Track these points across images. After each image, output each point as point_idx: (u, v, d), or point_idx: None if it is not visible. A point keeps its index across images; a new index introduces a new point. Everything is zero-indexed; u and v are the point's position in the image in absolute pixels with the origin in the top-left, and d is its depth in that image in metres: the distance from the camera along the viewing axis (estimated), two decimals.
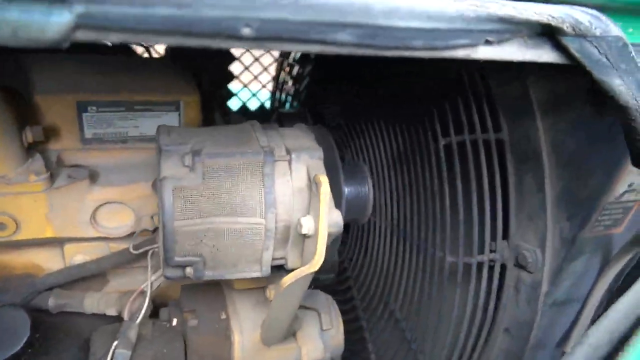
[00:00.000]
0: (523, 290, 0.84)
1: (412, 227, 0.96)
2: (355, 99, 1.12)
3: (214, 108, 1.06)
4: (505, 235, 0.84)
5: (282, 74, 1.82)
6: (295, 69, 1.75)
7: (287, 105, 1.84)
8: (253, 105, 1.93)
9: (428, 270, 0.91)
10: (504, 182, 0.82)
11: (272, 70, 1.90)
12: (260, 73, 1.90)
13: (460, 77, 0.81)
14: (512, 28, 0.35)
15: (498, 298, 0.86)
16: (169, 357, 0.86)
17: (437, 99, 0.86)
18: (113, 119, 0.87)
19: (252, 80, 1.90)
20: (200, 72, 0.98)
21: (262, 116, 1.81)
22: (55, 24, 0.27)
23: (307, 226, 0.64)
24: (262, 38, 0.31)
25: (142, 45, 1.23)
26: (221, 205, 0.65)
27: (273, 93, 1.85)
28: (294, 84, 1.77)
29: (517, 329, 0.87)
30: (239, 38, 0.30)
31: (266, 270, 0.70)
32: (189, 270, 0.67)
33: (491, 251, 0.84)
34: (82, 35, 0.29)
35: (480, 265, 0.84)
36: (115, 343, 0.82)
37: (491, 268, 0.84)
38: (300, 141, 0.73)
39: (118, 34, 0.29)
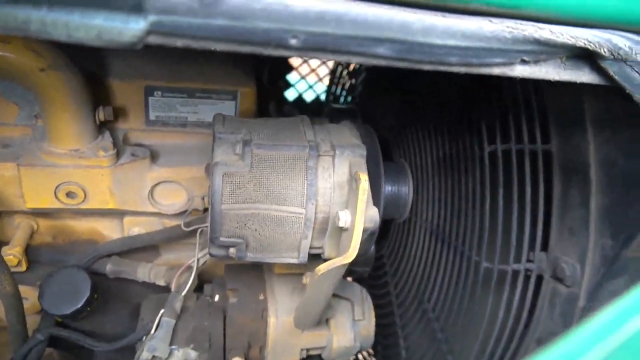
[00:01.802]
0: (558, 304, 0.84)
1: (451, 230, 0.97)
2: (406, 100, 1.14)
3: (269, 99, 1.11)
4: (545, 247, 0.83)
5: (339, 68, 1.85)
6: (352, 65, 1.77)
7: (342, 99, 1.87)
8: (309, 97, 1.97)
9: (463, 273, 0.92)
10: (548, 194, 0.82)
11: (330, 63, 1.93)
12: (319, 66, 1.93)
13: (513, 85, 0.81)
14: (548, 50, 0.37)
15: (532, 308, 0.86)
16: (209, 330, 0.92)
17: (486, 105, 0.86)
18: (175, 104, 0.94)
19: (310, 73, 1.94)
20: (261, 64, 1.02)
21: (317, 108, 1.85)
22: (132, 29, 0.32)
23: (344, 219, 0.67)
24: (307, 48, 0.34)
25: None
26: (266, 193, 0.69)
27: (329, 86, 1.88)
28: (350, 79, 1.79)
29: (551, 341, 0.86)
30: (286, 47, 0.34)
31: (303, 257, 0.74)
32: (232, 250, 0.72)
33: (528, 261, 0.84)
34: (153, 40, 0.33)
35: (516, 274, 0.84)
36: (162, 311, 0.89)
37: (527, 278, 0.84)
38: (345, 138, 0.76)
39: (183, 39, 0.33)
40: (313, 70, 1.95)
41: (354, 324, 0.95)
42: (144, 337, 0.90)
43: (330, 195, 0.71)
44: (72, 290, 0.93)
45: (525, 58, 0.37)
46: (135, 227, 1.01)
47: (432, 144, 1.04)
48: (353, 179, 0.68)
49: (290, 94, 1.91)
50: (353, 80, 1.78)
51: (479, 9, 0.35)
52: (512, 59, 0.37)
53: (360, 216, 0.65)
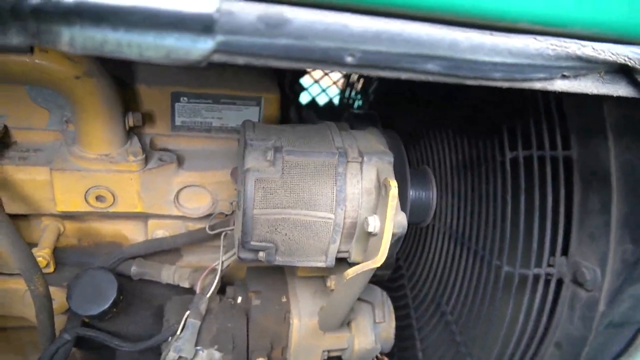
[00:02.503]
0: (578, 308, 0.85)
1: (471, 234, 0.98)
2: (424, 106, 1.15)
3: (289, 105, 1.12)
4: (565, 252, 0.85)
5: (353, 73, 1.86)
6: None
7: (356, 103, 1.89)
8: (321, 101, 1.99)
9: (484, 277, 0.93)
10: (568, 200, 0.83)
11: None
12: (331, 71, 1.95)
13: (534, 93, 0.83)
14: (589, 65, 0.38)
15: (552, 312, 0.88)
16: (232, 331, 0.94)
17: (508, 113, 0.88)
18: (201, 110, 0.96)
19: (323, 77, 1.96)
20: (283, 71, 1.04)
21: (330, 112, 1.87)
22: (200, 49, 0.34)
23: (373, 225, 0.69)
24: (362, 65, 0.36)
25: None
26: (296, 199, 0.71)
27: (343, 91, 1.90)
28: (364, 83, 1.81)
29: (569, 344, 0.88)
30: (343, 65, 0.36)
31: (331, 261, 0.75)
32: (261, 254, 0.74)
33: (549, 265, 0.85)
34: (217, 58, 0.35)
35: (536, 278, 0.85)
36: (187, 313, 0.91)
37: (547, 282, 0.86)
38: (372, 145, 0.78)
39: (245, 57, 0.35)
40: (326, 74, 1.96)
41: (374, 327, 0.97)
42: (170, 338, 0.92)
43: (358, 200, 0.73)
44: (99, 291, 0.95)
45: (566, 73, 0.39)
46: (159, 230, 1.03)
47: (451, 149, 1.06)
48: (382, 185, 0.69)
49: (302, 98, 1.93)
50: (367, 86, 1.80)
51: (526, 28, 0.36)
52: (553, 74, 0.39)
53: (390, 222, 0.67)
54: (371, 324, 0.97)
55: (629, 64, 0.38)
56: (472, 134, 0.99)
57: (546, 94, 0.83)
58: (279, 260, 0.74)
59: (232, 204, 0.82)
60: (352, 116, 1.14)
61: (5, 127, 0.90)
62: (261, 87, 0.98)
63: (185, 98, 0.94)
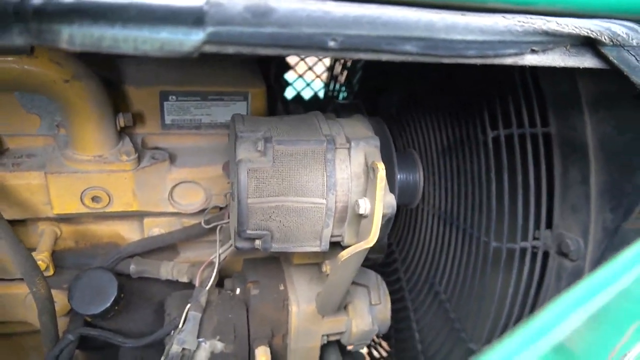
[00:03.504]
0: (565, 277, 0.89)
1: (459, 213, 1.02)
2: (406, 91, 1.18)
3: (276, 98, 1.15)
4: (549, 225, 0.88)
5: (337, 66, 1.89)
6: (349, 62, 1.81)
7: (340, 95, 1.92)
8: (306, 95, 2.01)
9: (473, 254, 0.97)
10: (550, 174, 0.87)
11: (327, 61, 1.97)
12: (315, 64, 1.97)
13: (511, 73, 0.86)
14: (555, 39, 0.41)
15: (539, 283, 0.91)
16: (233, 321, 0.96)
17: (486, 93, 0.91)
18: (190, 107, 0.98)
19: (307, 71, 1.98)
20: (267, 65, 1.06)
21: (316, 105, 1.89)
22: (192, 40, 0.36)
23: (363, 207, 0.71)
24: (344, 49, 0.38)
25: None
26: (288, 186, 0.73)
27: (327, 84, 1.92)
28: (347, 75, 1.84)
29: None
30: (325, 49, 0.38)
31: (325, 245, 0.78)
32: (257, 242, 0.76)
33: (535, 238, 0.89)
34: (208, 48, 0.37)
35: (523, 251, 0.89)
36: (188, 306, 0.93)
37: (534, 255, 0.89)
38: (359, 130, 0.80)
39: (235, 47, 0.37)
40: (310, 68, 1.99)
41: (371, 309, 1.00)
42: (172, 332, 0.94)
43: (348, 185, 0.75)
44: (100, 290, 0.97)
45: (535, 48, 0.42)
46: (155, 228, 1.04)
47: (435, 132, 1.09)
48: (370, 169, 0.72)
49: (288, 93, 1.95)
50: (350, 77, 1.82)
51: (495, 7, 0.39)
52: (523, 49, 0.42)
53: (380, 203, 0.70)
54: (367, 307, 1.00)
55: (592, 35, 0.41)
56: (455, 116, 1.02)
57: (523, 73, 0.87)
58: (275, 247, 0.77)
59: (226, 196, 0.84)
60: (337, 106, 1.17)
61: None
62: (247, 82, 1.00)
63: (174, 97, 0.96)
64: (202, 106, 0.98)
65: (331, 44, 0.38)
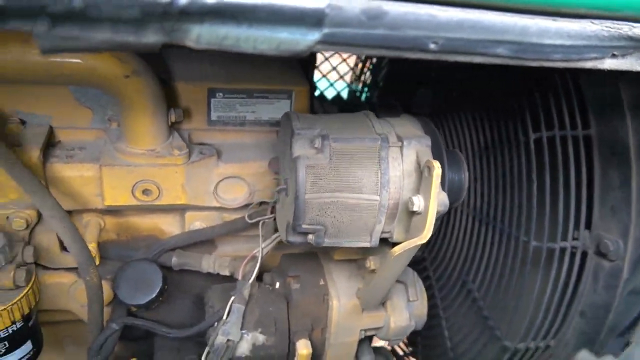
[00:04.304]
0: (602, 277, 0.91)
1: (495, 213, 1.04)
2: (443, 91, 1.20)
3: (313, 97, 1.17)
4: (588, 225, 0.91)
5: (360, 65, 1.91)
6: (374, 61, 1.84)
7: (363, 95, 1.94)
8: (329, 95, 2.04)
9: (511, 253, 0.99)
10: (590, 176, 0.89)
11: (350, 61, 1.99)
12: (339, 64, 2.00)
13: (552, 75, 0.88)
14: (637, 44, 0.43)
15: (576, 283, 0.93)
16: (274, 315, 0.98)
17: (527, 95, 0.93)
18: (235, 104, 1.00)
19: (331, 71, 2.00)
20: (307, 64, 1.09)
21: (340, 105, 1.91)
22: (307, 40, 0.38)
23: (417, 204, 0.74)
24: (442, 51, 0.41)
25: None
26: (344, 183, 0.76)
27: (351, 83, 1.95)
28: (372, 75, 1.86)
29: (593, 313, 0.93)
30: (426, 51, 0.40)
31: (375, 241, 0.80)
32: (310, 237, 0.79)
33: (574, 239, 0.91)
34: (318, 47, 0.40)
35: (562, 251, 0.91)
36: (232, 298, 0.96)
37: (572, 255, 0.91)
38: (409, 129, 0.83)
39: (343, 47, 0.39)
40: (334, 68, 2.01)
41: (408, 305, 1.02)
42: (215, 323, 0.96)
43: (400, 182, 0.78)
44: (145, 281, 0.99)
45: (616, 52, 0.44)
46: (197, 222, 1.07)
47: (470, 131, 1.11)
48: (425, 167, 0.74)
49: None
50: (375, 77, 1.85)
51: (584, 13, 0.41)
52: (604, 54, 0.44)
53: (434, 200, 0.72)
54: (405, 303, 1.02)
55: None
56: (493, 117, 1.04)
57: (563, 75, 0.89)
58: (327, 241, 0.79)
59: (277, 191, 0.86)
60: (373, 106, 1.19)
61: (50, 127, 0.94)
62: (292, 80, 1.02)
63: (221, 93, 0.98)
64: (248, 103, 1.00)
65: (432, 46, 0.40)
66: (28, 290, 0.86)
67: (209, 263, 1.06)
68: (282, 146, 0.87)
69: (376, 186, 0.76)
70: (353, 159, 0.76)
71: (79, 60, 0.78)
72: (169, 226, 1.09)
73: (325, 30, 0.38)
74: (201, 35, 0.37)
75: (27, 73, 0.78)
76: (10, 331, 0.84)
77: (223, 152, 1.01)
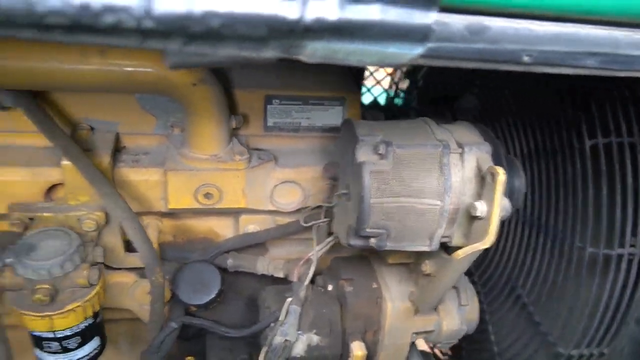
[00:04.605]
0: None
1: (548, 219, 1.04)
2: (489, 97, 1.21)
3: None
4: None
5: (398, 72, 1.93)
6: (411, 68, 1.85)
7: (400, 101, 1.95)
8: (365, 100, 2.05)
9: (564, 258, 0.99)
10: None
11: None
12: (376, 69, 2.02)
13: (608, 83, 0.88)
14: None
15: (633, 290, 0.93)
16: (328, 316, 1.01)
17: (583, 101, 0.94)
18: (291, 111, 1.03)
19: (368, 76, 2.02)
20: (358, 71, 1.11)
21: (378, 110, 1.93)
22: (411, 54, 0.40)
23: (480, 209, 0.75)
24: (535, 63, 0.42)
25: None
26: (407, 188, 0.78)
27: (389, 89, 1.96)
28: (411, 80, 1.87)
29: None
30: (519, 63, 0.42)
31: (435, 245, 0.82)
32: (373, 240, 0.81)
33: (631, 245, 0.91)
34: (420, 61, 0.42)
35: (619, 258, 0.91)
36: (289, 299, 0.98)
37: (630, 261, 0.91)
38: (468, 136, 0.84)
39: (442, 60, 0.42)
40: (371, 74, 2.03)
41: (460, 309, 1.03)
42: (272, 324, 0.99)
43: (460, 188, 0.79)
44: (204, 282, 1.03)
45: None
46: (251, 225, 1.10)
47: (519, 138, 1.12)
48: (488, 173, 0.76)
49: None
50: (413, 83, 1.86)
51: None
52: None
53: (498, 206, 0.73)
54: (457, 307, 1.03)
55: None
56: (544, 123, 1.04)
57: (620, 83, 0.89)
58: (389, 245, 0.81)
59: (337, 196, 0.89)
60: (419, 113, 1.20)
61: (117, 133, 0.98)
62: (345, 87, 1.05)
63: (277, 100, 1.01)
64: (303, 110, 1.03)
65: (525, 58, 0.42)
66: (99, 289, 0.90)
67: (263, 265, 1.08)
68: (342, 152, 0.90)
69: (438, 191, 0.78)
70: (415, 165, 0.78)
71: (151, 70, 0.82)
72: (223, 229, 1.12)
73: (430, 45, 0.40)
74: (316, 50, 0.39)
75: (103, 82, 0.82)
76: (83, 327, 0.89)
77: (278, 157, 1.04)
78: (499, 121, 1.17)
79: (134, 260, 1.04)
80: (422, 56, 0.41)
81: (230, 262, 1.09)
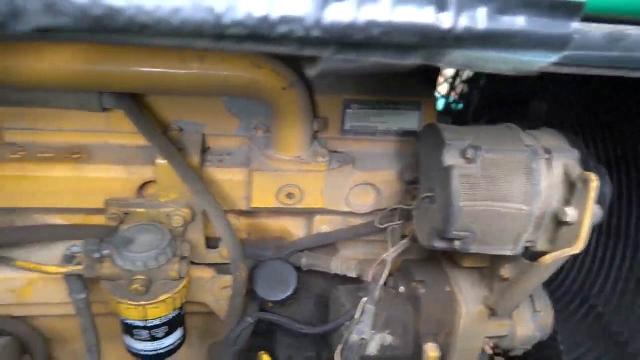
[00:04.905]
0: None
1: (628, 227, 1.03)
2: (561, 104, 1.20)
3: None
4: None
5: (458, 78, 1.93)
6: (471, 74, 1.85)
7: (459, 106, 1.95)
8: None
9: None
10: None
11: (447, 73, 2.01)
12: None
13: None
14: None
15: None
16: (401, 317, 1.02)
17: None
18: (368, 115, 1.05)
19: None
20: (433, 76, 1.12)
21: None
22: (544, 62, 0.42)
23: (571, 215, 0.75)
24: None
25: None
26: (495, 192, 0.79)
27: (448, 95, 1.97)
28: (469, 86, 1.87)
29: None
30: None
31: (519, 249, 0.82)
32: (457, 243, 0.82)
33: None
34: (550, 69, 0.44)
35: None
36: (364, 299, 1.00)
37: None
38: (554, 142, 0.84)
39: (573, 67, 0.43)
40: None
41: (534, 315, 1.03)
42: (347, 323, 1.01)
43: (547, 193, 0.80)
44: (282, 279, 1.06)
45: None
46: (324, 226, 1.13)
47: (595, 145, 1.10)
48: (579, 179, 0.76)
49: None
50: (472, 88, 1.86)
51: None
52: None
53: (590, 212, 0.73)
54: (531, 313, 1.03)
55: None
56: (624, 130, 1.03)
57: None
58: (474, 248, 0.82)
59: (421, 199, 0.90)
60: (490, 121, 1.21)
61: (203, 135, 1.03)
62: (421, 92, 1.06)
63: (356, 105, 1.04)
64: (380, 114, 1.05)
65: None
66: (186, 282, 0.94)
67: (337, 265, 1.11)
68: (424, 156, 0.91)
69: (525, 196, 0.79)
70: (503, 170, 0.79)
71: (245, 74, 0.86)
72: (297, 229, 1.16)
73: (565, 53, 0.42)
74: (457, 57, 0.41)
75: (200, 86, 0.87)
76: (171, 317, 0.93)
77: (355, 160, 1.06)
78: (572, 129, 1.16)
79: (214, 256, 1.09)
80: (555, 64, 0.43)
81: (304, 261, 1.12)
